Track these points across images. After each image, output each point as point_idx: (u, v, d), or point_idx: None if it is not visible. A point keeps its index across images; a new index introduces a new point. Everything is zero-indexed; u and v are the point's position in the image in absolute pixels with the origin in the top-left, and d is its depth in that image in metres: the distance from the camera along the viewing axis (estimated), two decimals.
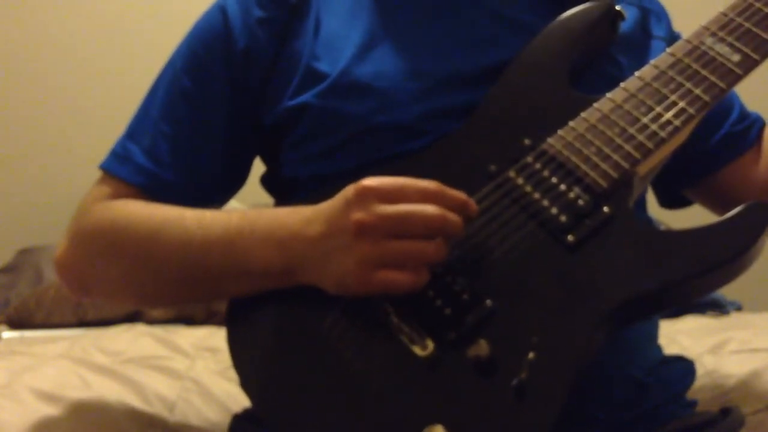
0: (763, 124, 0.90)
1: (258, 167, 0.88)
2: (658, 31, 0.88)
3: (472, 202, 0.65)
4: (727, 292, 1.52)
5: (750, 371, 1.05)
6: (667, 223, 1.41)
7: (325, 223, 0.66)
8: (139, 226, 0.76)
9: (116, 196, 0.80)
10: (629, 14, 0.85)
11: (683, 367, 0.83)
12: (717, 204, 0.90)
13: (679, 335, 1.22)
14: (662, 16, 0.90)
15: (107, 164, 0.83)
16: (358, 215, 0.63)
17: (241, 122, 0.82)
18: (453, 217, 0.63)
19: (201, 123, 0.81)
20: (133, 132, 0.83)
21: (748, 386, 1.03)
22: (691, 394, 0.82)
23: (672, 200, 0.94)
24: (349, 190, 0.65)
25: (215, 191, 0.84)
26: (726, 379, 1.04)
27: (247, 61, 0.80)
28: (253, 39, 0.80)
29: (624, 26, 0.83)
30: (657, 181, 0.88)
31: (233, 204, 0.89)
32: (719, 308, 1.47)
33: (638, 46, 0.85)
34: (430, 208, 0.63)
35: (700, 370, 0.86)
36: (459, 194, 0.65)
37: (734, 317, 1.45)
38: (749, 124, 0.89)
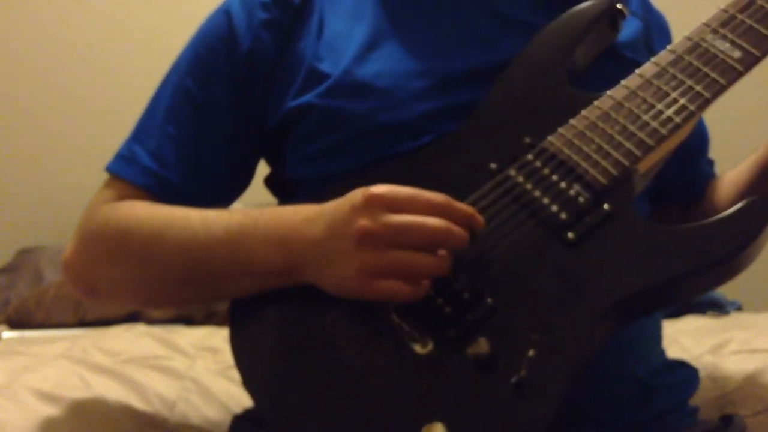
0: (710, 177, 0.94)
1: (262, 168, 0.89)
2: (659, 46, 0.88)
3: (478, 216, 0.65)
4: (727, 292, 1.52)
5: (750, 372, 1.04)
6: None
7: (328, 226, 0.66)
8: (143, 227, 0.76)
9: (122, 197, 0.81)
10: (633, 26, 0.86)
11: (687, 375, 0.83)
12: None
13: (679, 335, 1.21)
14: (664, 31, 0.91)
15: (113, 166, 0.83)
16: (362, 222, 0.63)
17: (246, 123, 0.82)
18: (458, 230, 0.63)
19: (206, 125, 0.82)
20: (138, 134, 0.83)
21: (748, 387, 1.02)
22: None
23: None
24: (356, 195, 0.65)
25: (220, 192, 0.84)
26: (726, 380, 1.04)
27: (251, 63, 0.81)
28: (257, 41, 0.81)
29: (627, 34, 0.83)
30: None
31: (237, 205, 0.89)
32: (719, 308, 1.47)
33: (640, 56, 0.85)
34: (434, 221, 0.63)
35: (700, 371, 0.86)
36: (466, 207, 0.65)
37: (734, 317, 1.45)
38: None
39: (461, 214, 0.64)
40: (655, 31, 0.90)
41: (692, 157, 0.91)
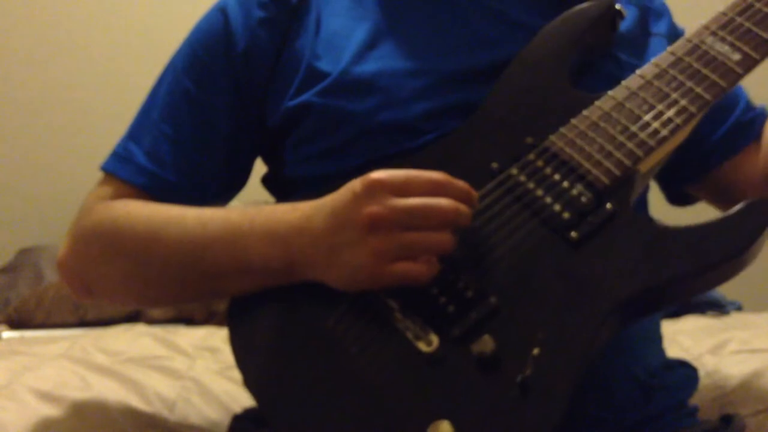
0: (765, 117, 0.89)
1: (259, 167, 0.88)
2: (658, 28, 0.88)
3: (473, 192, 0.66)
4: (727, 292, 1.52)
5: (750, 372, 1.05)
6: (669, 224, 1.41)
7: (332, 218, 0.66)
8: (139, 225, 0.76)
9: (118, 196, 0.80)
10: (629, 13, 0.86)
11: (687, 374, 0.83)
12: (720, 200, 0.90)
13: (679, 335, 1.22)
14: (663, 13, 0.91)
15: (109, 165, 0.83)
16: (370, 208, 0.63)
17: (243, 122, 0.82)
18: (464, 208, 0.64)
19: (202, 124, 0.81)
20: (134, 133, 0.83)
21: (748, 387, 1.03)
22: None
23: (678, 196, 0.94)
24: (356, 184, 0.64)
25: (216, 191, 0.84)
26: (726, 380, 1.04)
27: (248, 62, 0.80)
28: (254, 40, 0.80)
29: (624, 25, 0.83)
30: (664, 175, 0.88)
31: (234, 203, 0.89)
32: (719, 308, 1.47)
33: (638, 45, 0.85)
34: (443, 201, 0.63)
35: (700, 371, 0.86)
36: (463, 184, 0.65)
37: (734, 317, 1.45)
38: (754, 116, 0.89)
39: (460, 190, 0.65)
40: (653, 13, 0.90)
41: (722, 115, 0.87)
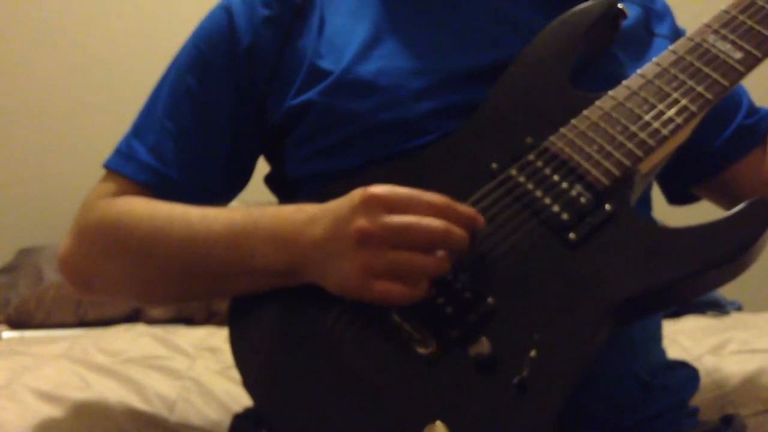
0: None
1: (261, 167, 0.88)
2: (660, 29, 0.88)
3: (480, 218, 0.65)
4: (727, 292, 1.52)
5: (750, 372, 1.05)
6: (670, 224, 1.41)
7: (329, 226, 0.66)
8: (142, 222, 0.76)
9: (120, 193, 0.80)
10: (632, 12, 0.86)
11: (687, 375, 0.83)
12: (725, 200, 0.90)
13: (679, 336, 1.22)
14: (665, 13, 0.91)
15: (111, 162, 0.83)
16: (360, 223, 0.63)
17: (246, 121, 0.82)
18: (457, 231, 0.63)
19: (205, 122, 0.82)
20: (137, 130, 0.83)
21: (748, 387, 1.03)
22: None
23: (680, 197, 0.94)
24: (355, 196, 0.64)
25: (219, 189, 0.84)
26: (726, 380, 1.04)
27: (252, 61, 0.81)
28: (258, 38, 0.81)
29: (626, 24, 0.83)
30: (666, 177, 0.88)
31: (235, 203, 0.89)
32: (719, 308, 1.47)
33: (640, 44, 0.85)
34: (434, 222, 0.62)
35: (700, 371, 0.86)
36: (467, 209, 0.64)
37: (734, 317, 1.45)
38: (758, 119, 0.89)
39: (462, 215, 0.64)
40: (655, 13, 0.90)
41: (724, 120, 0.87)
